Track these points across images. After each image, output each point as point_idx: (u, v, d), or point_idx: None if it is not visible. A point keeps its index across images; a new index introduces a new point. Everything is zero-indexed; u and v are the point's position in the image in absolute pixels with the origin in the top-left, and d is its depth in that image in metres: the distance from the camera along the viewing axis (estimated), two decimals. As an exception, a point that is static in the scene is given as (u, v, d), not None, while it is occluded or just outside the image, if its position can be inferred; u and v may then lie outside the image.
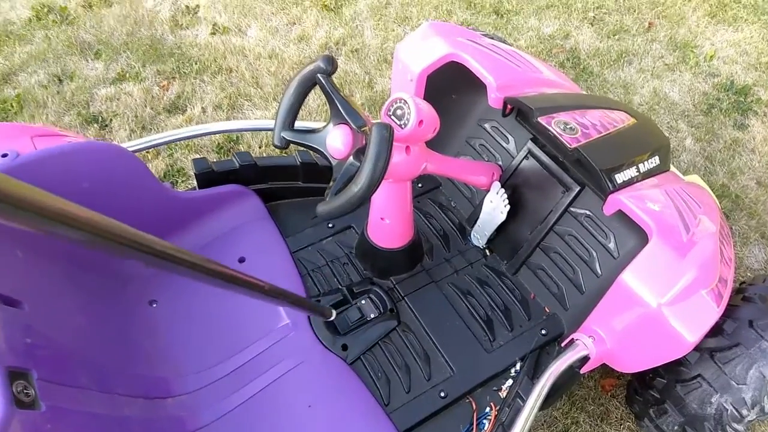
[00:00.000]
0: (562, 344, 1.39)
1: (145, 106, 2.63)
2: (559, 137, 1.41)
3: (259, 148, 2.48)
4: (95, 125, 2.53)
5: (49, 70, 2.80)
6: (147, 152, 2.39)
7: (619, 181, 1.38)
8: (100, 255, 1.48)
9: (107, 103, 2.64)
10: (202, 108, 2.65)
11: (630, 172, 1.42)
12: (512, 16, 3.23)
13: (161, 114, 2.62)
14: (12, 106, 2.58)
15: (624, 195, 1.36)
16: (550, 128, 1.43)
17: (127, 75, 2.80)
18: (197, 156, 2.39)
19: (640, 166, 1.46)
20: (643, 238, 1.32)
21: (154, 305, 1.51)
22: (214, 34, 3.06)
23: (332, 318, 1.41)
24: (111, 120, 2.57)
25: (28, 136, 1.36)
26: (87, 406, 1.08)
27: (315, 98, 2.66)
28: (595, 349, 1.29)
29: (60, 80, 2.75)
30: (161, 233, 1.60)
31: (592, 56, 2.96)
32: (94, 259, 1.45)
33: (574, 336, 1.34)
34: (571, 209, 1.54)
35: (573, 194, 1.53)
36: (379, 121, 1.10)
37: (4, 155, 1.26)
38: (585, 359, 1.31)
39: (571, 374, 1.34)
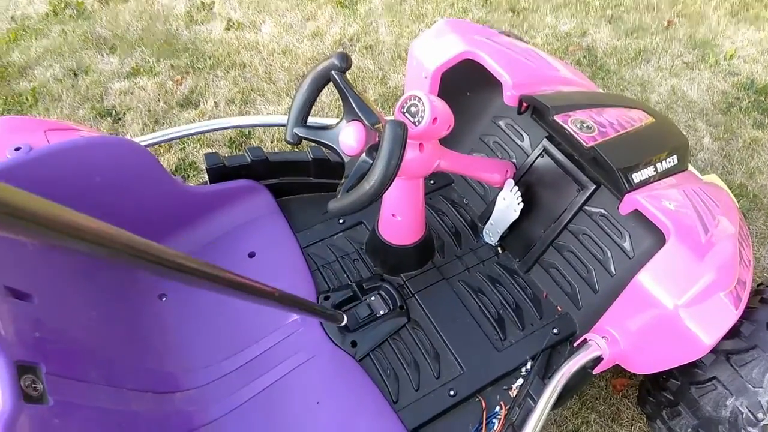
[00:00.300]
0: (575, 344, 1.36)
1: (159, 101, 2.64)
2: (576, 135, 1.39)
3: (271, 143, 2.48)
4: (109, 119, 2.55)
5: (65, 64, 2.82)
6: (159, 146, 2.40)
7: (635, 181, 1.36)
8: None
9: (121, 97, 2.66)
10: (215, 102, 2.65)
11: (647, 172, 1.39)
12: (528, 13, 3.19)
13: (174, 108, 2.63)
14: (27, 99, 2.60)
15: (641, 195, 1.33)
16: (566, 126, 1.41)
17: (141, 69, 2.81)
18: (209, 150, 2.40)
19: (658, 165, 1.43)
20: (659, 239, 1.29)
21: (164, 299, 1.51)
22: (228, 29, 3.07)
23: (343, 323, 1.40)
24: (124, 114, 2.58)
25: (42, 129, 1.37)
26: (95, 401, 1.08)
27: (328, 93, 2.65)
28: (608, 349, 1.26)
29: (75, 74, 2.77)
30: (173, 227, 1.62)
31: (610, 54, 2.92)
32: None
33: (587, 336, 1.32)
34: (586, 208, 1.52)
35: (588, 193, 1.51)
36: (392, 118, 1.09)
37: (17, 149, 1.26)
38: (598, 360, 1.29)
39: (583, 374, 1.32)
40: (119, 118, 2.57)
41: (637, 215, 1.36)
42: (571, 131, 1.40)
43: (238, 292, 0.89)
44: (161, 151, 2.42)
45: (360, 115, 1.15)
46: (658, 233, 1.30)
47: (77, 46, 2.92)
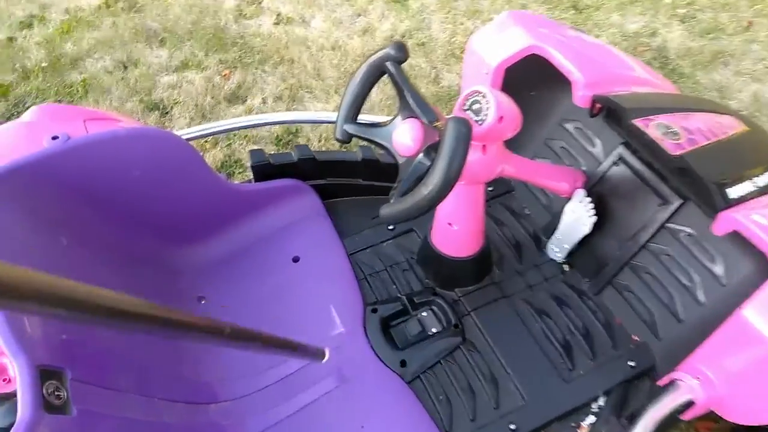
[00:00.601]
0: (660, 383, 1.19)
1: (206, 95, 2.59)
2: (659, 143, 1.22)
3: (318, 141, 2.38)
4: (156, 112, 2.51)
5: (115, 56, 2.80)
6: (205, 141, 2.34)
7: (732, 197, 1.17)
8: (151, 247, 1.41)
9: (169, 91, 2.61)
10: (263, 99, 2.58)
11: (745, 187, 1.20)
12: (592, 11, 3.00)
13: (221, 103, 2.56)
14: (78, 91, 2.59)
15: (739, 213, 1.15)
16: (647, 132, 1.24)
17: (190, 63, 2.77)
18: (256, 147, 2.32)
19: (757, 180, 1.24)
20: (761, 265, 1.11)
21: (203, 302, 1.42)
22: (277, 24, 3.00)
23: (325, 360, 1.22)
24: (172, 108, 2.54)
25: (81, 119, 1.30)
26: (123, 411, 0.99)
27: (377, 91, 2.54)
28: (702, 393, 1.08)
29: (125, 67, 2.75)
30: (214, 226, 1.52)
31: (683, 56, 2.70)
32: (144, 252, 1.37)
33: (675, 375, 1.14)
34: (669, 225, 1.34)
35: (672, 208, 1.33)
36: (454, 115, 0.96)
37: (55, 137, 1.19)
38: (687, 404, 1.11)
39: (669, 420, 1.14)
40: (166, 112, 2.53)
41: (733, 237, 1.18)
42: (654, 138, 1.23)
43: (179, 332, 0.73)
44: (207, 146, 2.35)
45: (417, 111, 1.03)
46: (759, 259, 1.12)
47: (128, 38, 2.91)
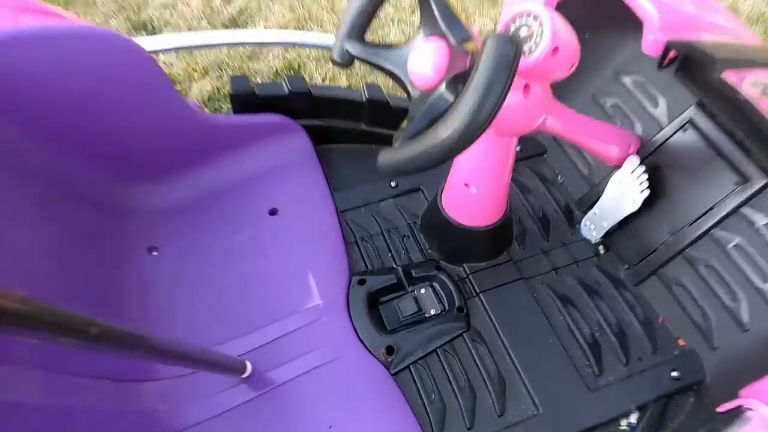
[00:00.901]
0: (720, 410, 0.93)
1: (202, 19, 2.29)
2: (755, 104, 0.94)
3: (323, 81, 2.09)
4: (143, 33, 2.22)
5: (107, -34, 2.49)
6: (193, 71, 2.05)
7: None
8: (93, 181, 1.15)
9: (161, 11, 2.32)
10: (264, 28, 2.27)
11: None
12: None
13: (218, 30, 2.26)
14: (59, 2, 2.30)
15: None
16: (740, 90, 0.96)
17: (190, -18, 2.46)
18: (251, 81, 2.04)
19: None
20: None
21: (155, 254, 1.17)
22: (292, -54, 2.66)
23: (246, 374, 0.99)
24: (161, 30, 2.25)
25: (9, 7, 1.02)
26: (9, 394, 0.74)
27: (397, 31, 2.22)
28: None
29: (115, -21, 2.45)
30: (176, 163, 1.23)
31: (755, 21, 2.37)
32: (83, 187, 1.11)
33: (745, 403, 0.88)
34: (745, 211, 1.06)
35: (753, 189, 1.05)
36: (498, 33, 0.67)
37: None
38: None
39: None
40: (154, 34, 2.23)
41: None
42: (749, 97, 0.96)
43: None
44: (195, 76, 2.07)
45: (444, 28, 0.75)
46: None
47: (123, -52, 2.59)
